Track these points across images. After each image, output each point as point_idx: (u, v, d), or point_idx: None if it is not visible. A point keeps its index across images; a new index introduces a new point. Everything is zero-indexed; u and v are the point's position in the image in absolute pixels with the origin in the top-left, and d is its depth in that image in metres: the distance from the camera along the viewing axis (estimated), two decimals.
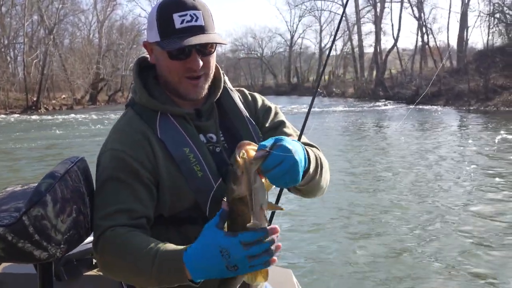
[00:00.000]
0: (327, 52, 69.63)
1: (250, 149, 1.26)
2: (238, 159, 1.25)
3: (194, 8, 1.55)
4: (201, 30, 1.54)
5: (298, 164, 1.29)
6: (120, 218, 1.48)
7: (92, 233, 1.66)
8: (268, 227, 1.27)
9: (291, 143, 1.30)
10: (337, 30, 2.64)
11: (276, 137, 1.31)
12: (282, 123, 1.81)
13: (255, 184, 1.25)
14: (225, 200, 1.31)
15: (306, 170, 1.45)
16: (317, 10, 68.34)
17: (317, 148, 1.76)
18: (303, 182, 1.50)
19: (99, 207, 1.52)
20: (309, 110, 1.73)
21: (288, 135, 1.72)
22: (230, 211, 1.30)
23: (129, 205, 1.50)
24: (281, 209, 1.36)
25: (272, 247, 1.27)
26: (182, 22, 1.53)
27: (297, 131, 1.76)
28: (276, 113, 1.85)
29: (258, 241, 1.25)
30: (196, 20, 1.54)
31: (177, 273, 1.32)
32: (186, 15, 1.53)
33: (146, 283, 1.39)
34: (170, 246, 1.38)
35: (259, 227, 1.27)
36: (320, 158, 1.63)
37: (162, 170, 1.57)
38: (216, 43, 1.60)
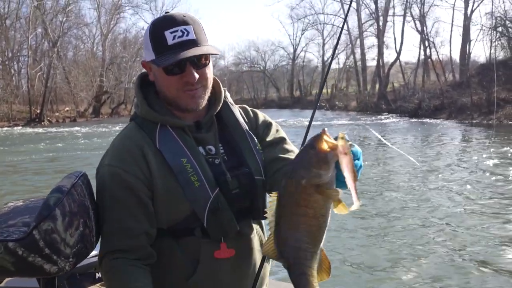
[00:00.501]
0: (330, 66, 69.82)
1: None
2: (332, 142, 1.20)
3: (185, 23, 1.60)
4: (193, 43, 1.59)
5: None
6: (119, 238, 1.58)
7: (96, 247, 1.67)
8: None
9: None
10: (337, 42, 2.69)
11: None
12: (283, 140, 1.86)
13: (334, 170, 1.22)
14: (285, 192, 1.26)
15: None
16: (320, 23, 68.49)
17: None
18: None
19: (102, 225, 1.61)
20: (310, 123, 1.77)
21: (289, 151, 1.79)
22: (301, 202, 1.24)
23: (127, 224, 1.57)
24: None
25: None
26: (174, 38, 1.58)
27: (297, 149, 1.78)
28: (277, 130, 1.89)
29: None
30: (187, 35, 1.59)
31: None
32: (177, 31, 1.58)
33: None
34: None
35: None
36: None
37: (157, 181, 1.61)
38: (209, 54, 1.64)
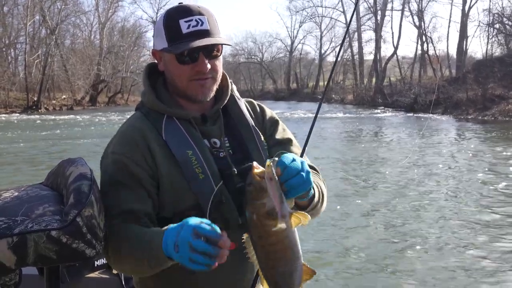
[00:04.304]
0: (327, 59, 69.66)
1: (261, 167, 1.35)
2: (261, 170, 1.31)
3: (200, 13, 1.62)
4: (206, 34, 1.61)
5: (310, 175, 1.41)
6: (122, 219, 1.56)
7: None
8: (222, 238, 1.28)
9: (303, 163, 1.41)
10: (341, 45, 2.70)
11: (290, 154, 1.42)
12: (290, 141, 1.88)
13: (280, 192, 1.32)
14: (249, 230, 1.36)
15: (312, 198, 1.58)
16: (318, 16, 68.17)
17: (317, 171, 1.85)
18: (309, 209, 1.60)
19: (105, 209, 1.58)
20: (312, 127, 1.80)
21: (294, 153, 1.82)
22: (263, 234, 1.33)
23: (130, 206, 1.56)
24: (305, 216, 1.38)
25: (215, 255, 1.28)
26: (188, 27, 1.60)
27: (300, 147, 1.85)
28: (284, 129, 1.92)
29: (208, 239, 1.28)
30: (201, 25, 1.61)
31: (158, 254, 1.39)
32: (191, 20, 1.61)
33: (145, 270, 1.48)
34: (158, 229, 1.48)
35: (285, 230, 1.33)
36: (320, 187, 1.72)
37: (162, 171, 1.62)
38: (222, 44, 1.68)
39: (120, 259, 1.54)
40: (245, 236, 1.38)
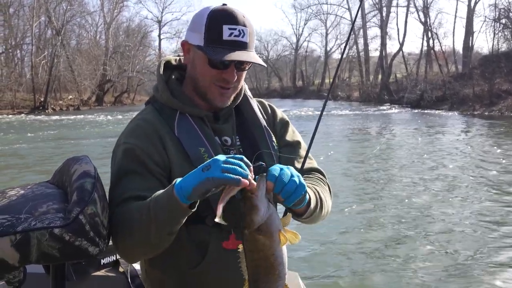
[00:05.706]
0: (333, 56, 69.52)
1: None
2: (253, 185, 1.33)
3: (244, 24, 1.63)
4: (244, 46, 1.63)
5: (301, 178, 1.41)
6: (128, 202, 1.54)
7: None
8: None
9: (290, 169, 1.42)
10: (346, 44, 2.71)
11: (276, 165, 1.42)
12: (299, 143, 1.91)
13: (270, 208, 1.35)
14: (243, 244, 1.38)
15: (308, 204, 1.56)
16: (323, 13, 68.11)
17: (321, 173, 1.87)
18: (307, 215, 1.61)
19: (112, 199, 1.59)
20: (321, 114, 1.84)
21: (301, 157, 1.84)
22: (251, 249, 1.36)
23: (138, 193, 1.55)
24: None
25: (247, 172, 1.32)
26: (230, 35, 1.60)
27: (305, 146, 1.88)
28: (293, 131, 1.94)
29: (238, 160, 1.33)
30: (242, 36, 1.62)
31: (169, 198, 1.37)
32: (235, 29, 1.61)
33: (152, 237, 1.44)
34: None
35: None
36: (319, 193, 1.70)
37: (175, 167, 1.63)
38: (257, 64, 1.68)
39: (125, 236, 1.52)
40: (240, 247, 1.39)
